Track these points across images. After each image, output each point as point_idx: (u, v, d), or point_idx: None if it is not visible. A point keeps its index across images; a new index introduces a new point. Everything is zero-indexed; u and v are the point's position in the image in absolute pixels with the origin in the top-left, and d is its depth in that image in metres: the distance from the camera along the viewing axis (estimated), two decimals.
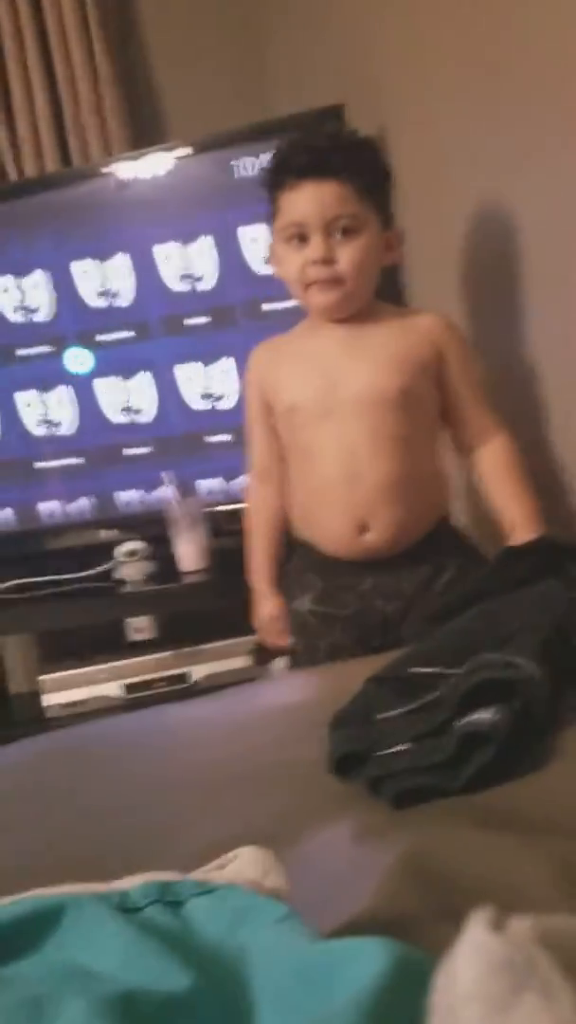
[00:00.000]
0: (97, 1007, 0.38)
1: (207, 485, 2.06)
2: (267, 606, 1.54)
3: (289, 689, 1.19)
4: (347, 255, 1.31)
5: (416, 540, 1.38)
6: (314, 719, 0.84)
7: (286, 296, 1.95)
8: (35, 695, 2.06)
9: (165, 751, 0.96)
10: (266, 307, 1.92)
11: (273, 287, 1.93)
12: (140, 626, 2.07)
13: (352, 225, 1.30)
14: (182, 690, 1.98)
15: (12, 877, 0.57)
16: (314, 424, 1.38)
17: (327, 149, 1.31)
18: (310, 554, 1.44)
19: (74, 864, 0.66)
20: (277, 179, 1.33)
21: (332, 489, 1.38)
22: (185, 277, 1.99)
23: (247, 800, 0.77)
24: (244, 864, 0.57)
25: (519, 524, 1.33)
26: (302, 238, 1.32)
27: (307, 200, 1.30)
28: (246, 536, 1.58)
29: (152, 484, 2.08)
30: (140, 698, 2.00)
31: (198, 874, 0.53)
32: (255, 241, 1.89)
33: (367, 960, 0.36)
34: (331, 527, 1.40)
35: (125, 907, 0.47)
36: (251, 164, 1.88)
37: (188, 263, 1.98)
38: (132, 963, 0.42)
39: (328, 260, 1.31)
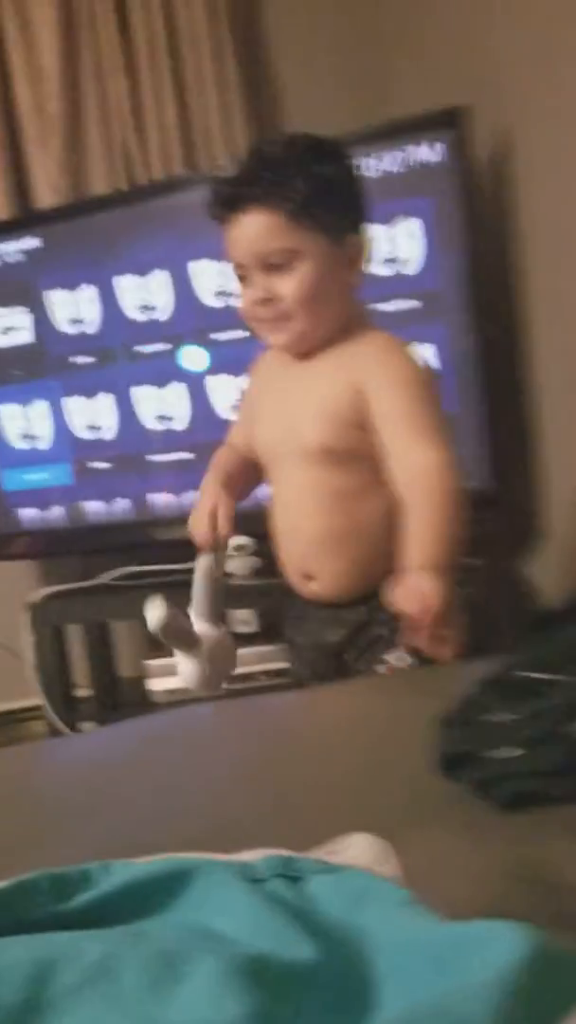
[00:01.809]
0: (229, 967, 0.40)
1: None
2: (206, 499, 1.36)
3: (389, 687, 1.20)
4: (287, 288, 1.18)
5: (372, 586, 1.25)
6: (416, 719, 0.85)
7: (402, 296, 1.97)
8: (141, 680, 2.13)
9: (266, 740, 0.98)
10: (384, 308, 1.93)
11: (387, 285, 1.95)
12: (244, 619, 2.11)
13: (285, 259, 1.17)
14: (283, 685, 2.01)
15: (132, 846, 0.60)
16: (269, 469, 1.35)
17: (248, 176, 1.18)
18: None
19: (186, 839, 0.69)
20: (213, 215, 1.21)
21: (280, 536, 1.35)
22: None
23: (350, 795, 0.79)
24: (358, 850, 0.59)
25: (414, 566, 1.10)
26: (243, 277, 1.22)
27: (236, 238, 1.19)
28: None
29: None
30: (241, 690, 2.03)
31: (314, 855, 0.56)
32: (376, 240, 1.90)
33: (506, 943, 0.37)
34: (285, 569, 1.37)
35: (249, 877, 0.49)
36: (372, 166, 1.89)
37: None
38: (259, 930, 0.44)
39: (268, 299, 1.19)
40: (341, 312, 1.23)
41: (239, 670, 2.06)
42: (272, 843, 0.58)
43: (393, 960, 0.42)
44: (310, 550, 1.30)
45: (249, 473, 1.39)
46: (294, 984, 0.40)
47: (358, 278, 1.23)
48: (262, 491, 2.13)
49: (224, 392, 2.13)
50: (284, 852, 0.54)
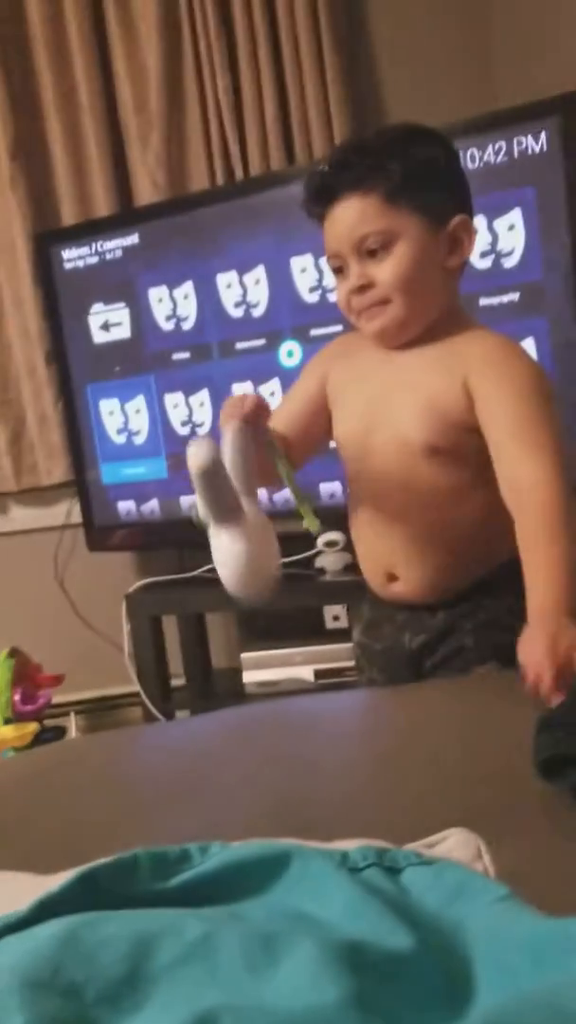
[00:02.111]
0: (326, 951, 0.40)
1: None
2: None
3: (485, 688, 1.18)
4: (384, 272, 1.13)
5: (460, 588, 1.23)
6: (514, 721, 0.84)
7: (503, 290, 1.93)
8: (235, 671, 2.15)
9: (360, 735, 0.98)
10: (483, 302, 1.90)
11: (489, 278, 1.92)
12: (336, 614, 2.11)
13: (381, 242, 1.12)
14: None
15: (221, 830, 0.61)
16: (354, 462, 1.27)
17: (340, 164, 1.14)
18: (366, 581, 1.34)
19: (277, 826, 0.70)
20: (309, 213, 1.18)
21: (363, 532, 1.28)
22: None
23: (447, 791, 0.78)
24: (454, 845, 0.58)
25: (536, 615, 1.02)
26: (340, 270, 1.17)
27: (332, 228, 1.15)
28: None
29: None
30: (330, 684, 2.04)
31: (409, 848, 0.55)
32: (479, 232, 1.88)
33: None
34: (365, 568, 1.31)
35: (345, 866, 0.49)
36: (477, 157, 1.86)
37: None
38: (356, 917, 0.44)
39: (365, 286, 1.15)
40: (441, 299, 1.18)
41: (330, 665, 2.08)
42: (367, 835, 0.58)
43: (490, 953, 0.42)
44: (398, 549, 1.24)
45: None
46: (392, 971, 0.40)
47: (460, 263, 1.18)
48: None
49: None
50: (380, 843, 0.54)
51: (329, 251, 1.17)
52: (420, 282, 1.14)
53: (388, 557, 1.25)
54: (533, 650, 0.95)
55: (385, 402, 1.21)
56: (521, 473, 1.10)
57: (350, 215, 1.13)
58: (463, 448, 1.17)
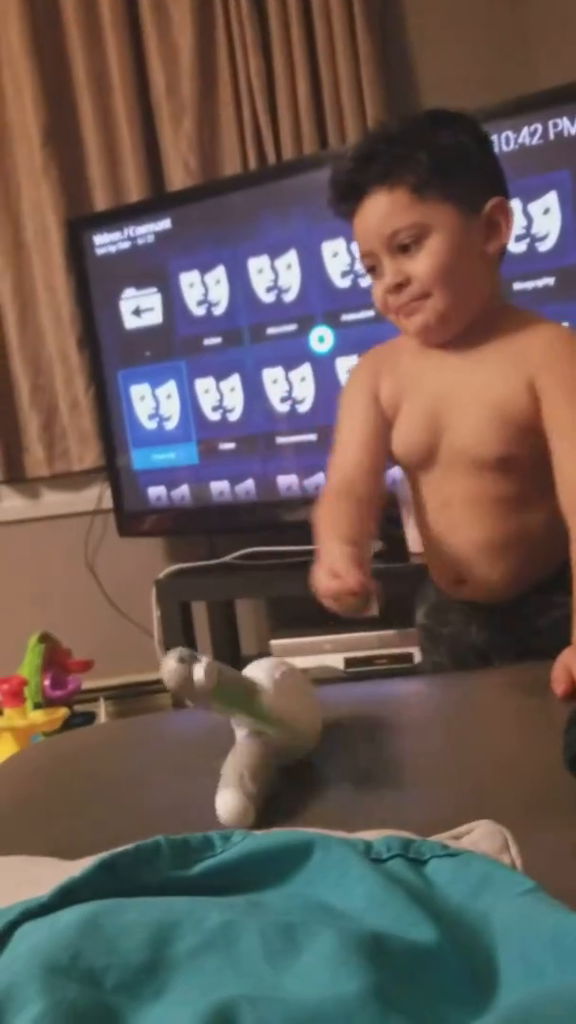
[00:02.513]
0: (347, 942, 0.40)
1: None
2: (334, 550, 1.09)
3: (520, 682, 1.17)
4: (420, 267, 1.08)
5: (528, 589, 1.21)
6: (547, 715, 0.83)
7: (538, 274, 1.91)
8: (263, 658, 2.15)
9: (394, 728, 0.97)
10: (517, 287, 1.88)
11: (526, 263, 1.89)
12: None
13: (414, 236, 1.07)
14: (404, 670, 2.00)
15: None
16: (418, 471, 1.22)
17: (365, 156, 1.09)
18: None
19: (300, 814, 0.70)
20: (336, 211, 1.14)
21: (430, 536, 1.25)
22: None
23: (475, 783, 0.77)
24: (480, 837, 0.58)
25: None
26: (374, 268, 1.12)
27: (361, 224, 1.11)
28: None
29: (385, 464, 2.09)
30: (361, 672, 2.03)
31: (436, 839, 0.55)
32: (513, 215, 1.85)
33: None
34: (433, 569, 1.29)
35: (368, 856, 0.49)
36: (512, 139, 1.84)
37: None
38: (378, 908, 0.44)
39: (402, 284, 1.10)
40: (483, 288, 1.13)
41: (361, 653, 2.07)
42: (393, 824, 0.57)
43: (515, 946, 0.41)
44: (466, 557, 1.20)
45: (369, 524, 1.17)
46: (414, 963, 0.40)
47: (499, 248, 1.13)
48: (388, 474, 2.12)
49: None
50: (404, 834, 0.53)
51: (362, 250, 1.13)
52: (459, 273, 1.09)
53: (456, 564, 1.22)
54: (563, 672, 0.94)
55: (447, 410, 1.16)
56: None
57: (379, 211, 1.08)
58: (531, 456, 1.12)
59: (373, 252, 1.11)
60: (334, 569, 1.02)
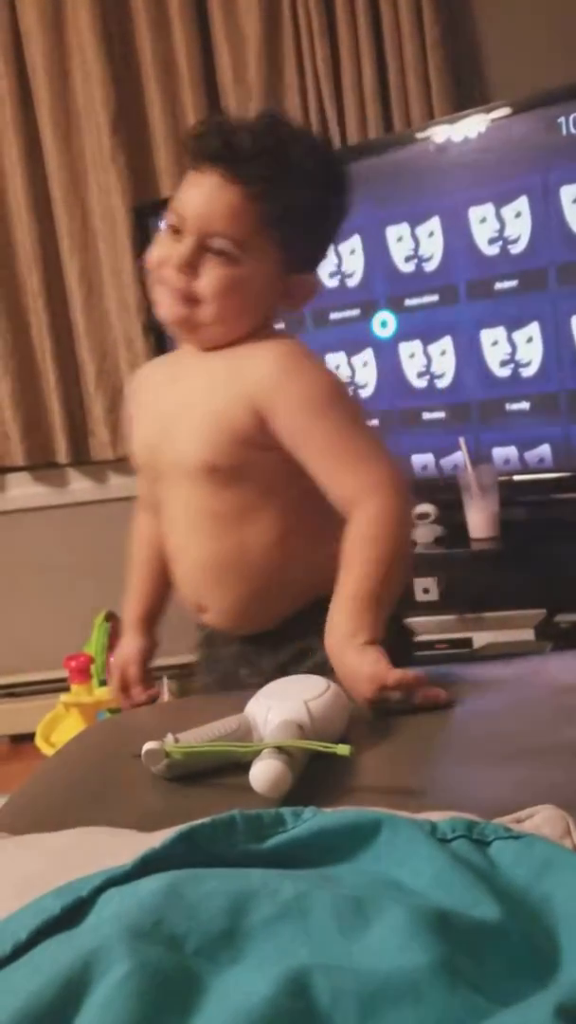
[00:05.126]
0: (416, 917, 0.41)
1: (503, 453, 2.05)
2: (125, 645, 1.30)
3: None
4: (210, 277, 1.04)
5: (279, 619, 1.15)
6: None
7: None
8: None
9: (452, 712, 0.98)
10: None
11: None
12: (426, 587, 2.10)
13: (229, 251, 1.03)
14: (463, 655, 2.00)
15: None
16: (150, 482, 1.20)
17: (256, 150, 1.02)
18: None
19: (375, 795, 0.72)
20: (191, 150, 1.07)
21: (171, 560, 1.21)
22: (496, 240, 1.97)
23: (537, 767, 0.78)
24: (542, 821, 0.59)
25: (336, 609, 0.99)
26: (177, 231, 1.05)
27: (198, 194, 1.04)
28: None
29: (447, 449, 2.09)
30: (420, 657, 2.04)
31: (499, 822, 0.56)
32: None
33: None
34: (180, 595, 1.23)
35: (435, 837, 0.50)
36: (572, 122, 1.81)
37: (502, 225, 1.96)
38: (444, 886, 0.45)
39: (186, 268, 1.04)
40: (248, 325, 1.10)
41: (420, 638, 2.08)
42: (456, 807, 0.59)
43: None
44: (199, 578, 1.16)
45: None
46: (479, 940, 0.41)
47: (286, 310, 1.15)
48: (449, 459, 2.13)
49: (413, 359, 2.12)
50: (469, 816, 0.55)
51: (177, 211, 1.05)
52: (238, 307, 1.07)
53: (191, 587, 1.18)
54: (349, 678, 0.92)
55: (173, 418, 1.13)
56: (345, 490, 1.04)
57: (224, 202, 1.03)
58: (248, 468, 1.09)
59: (185, 220, 1.05)
60: (124, 679, 1.26)
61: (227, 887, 0.44)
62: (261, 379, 1.06)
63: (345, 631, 0.97)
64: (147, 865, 0.46)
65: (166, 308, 1.09)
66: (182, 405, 1.13)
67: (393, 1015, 0.37)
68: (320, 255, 1.15)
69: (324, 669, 0.99)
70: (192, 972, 0.39)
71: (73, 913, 0.45)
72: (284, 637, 1.15)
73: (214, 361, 1.11)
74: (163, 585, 1.29)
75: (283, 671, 1.08)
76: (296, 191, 1.04)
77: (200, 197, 1.04)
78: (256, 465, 1.09)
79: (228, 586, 1.15)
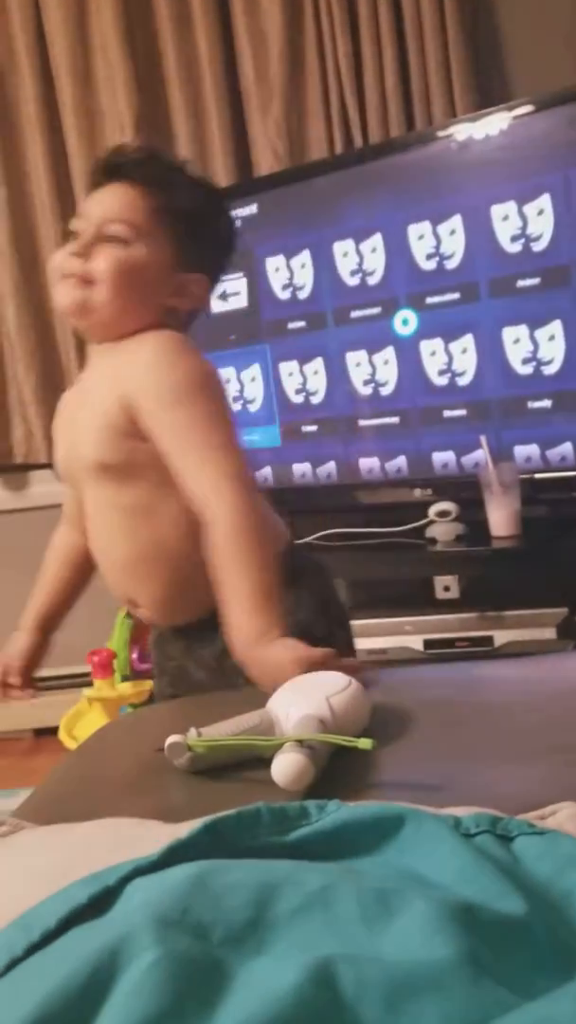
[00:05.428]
0: (440, 910, 0.42)
1: (524, 451, 2.04)
2: (16, 641, 1.32)
3: None
4: (104, 257, 1.10)
5: (212, 608, 1.12)
6: None
7: None
8: None
9: (475, 709, 0.99)
10: None
11: None
12: (447, 585, 2.10)
13: (123, 235, 1.10)
14: (484, 653, 2.00)
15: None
16: (72, 491, 1.24)
17: (142, 157, 1.15)
18: None
19: (398, 790, 0.72)
20: (92, 175, 1.17)
21: (96, 558, 1.24)
22: (518, 237, 1.96)
23: (554, 770, 0.78)
24: (566, 818, 0.59)
25: (233, 614, 1.01)
26: (76, 236, 1.14)
27: (97, 198, 1.13)
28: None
29: (468, 447, 2.09)
30: (440, 655, 2.04)
31: (522, 818, 0.56)
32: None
33: None
34: (112, 592, 1.26)
35: (459, 831, 0.51)
36: None
37: (524, 223, 1.95)
38: (469, 880, 0.46)
39: (82, 252, 1.10)
40: (139, 318, 1.14)
41: (441, 635, 2.08)
42: (479, 803, 0.59)
43: None
44: (124, 575, 1.20)
45: (79, 558, 1.29)
46: (504, 934, 0.42)
47: (178, 307, 1.17)
48: (470, 457, 2.12)
49: (434, 357, 2.12)
50: (492, 811, 0.55)
51: (77, 223, 1.13)
52: (130, 289, 1.11)
53: (119, 584, 1.21)
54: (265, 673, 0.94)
55: (70, 418, 1.19)
56: (196, 488, 1.06)
57: (117, 197, 1.12)
58: (139, 461, 1.11)
59: (83, 224, 1.12)
60: (5, 671, 1.28)
61: (252, 878, 0.44)
62: (132, 372, 1.10)
63: (254, 632, 0.99)
64: (173, 855, 0.47)
65: (63, 295, 1.13)
66: (81, 408, 1.17)
67: (417, 1006, 0.37)
68: (210, 260, 1.19)
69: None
70: (218, 961, 0.40)
71: (100, 902, 0.45)
72: (215, 625, 1.15)
73: (107, 358, 1.15)
74: (64, 592, 1.34)
75: (221, 660, 1.13)
76: (184, 193, 1.14)
77: (98, 198, 1.13)
78: (148, 458, 1.10)
79: (152, 579, 1.18)
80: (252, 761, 0.78)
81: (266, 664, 0.96)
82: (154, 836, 0.52)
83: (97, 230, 1.11)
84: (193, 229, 1.15)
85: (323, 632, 1.15)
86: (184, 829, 0.50)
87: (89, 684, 2.25)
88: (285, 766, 0.71)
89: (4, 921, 0.46)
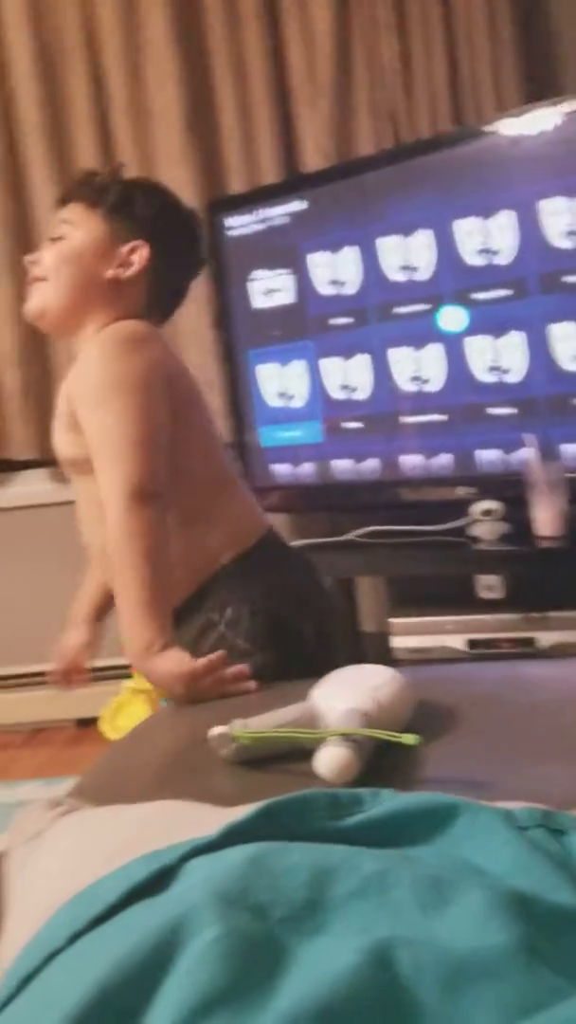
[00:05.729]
0: (495, 899, 0.42)
1: (572, 450, 2.02)
2: (71, 638, 1.42)
3: None
4: (48, 252, 1.26)
5: (184, 596, 1.21)
6: None
7: None
8: (384, 636, 2.18)
9: (520, 706, 0.98)
10: None
11: None
12: (490, 584, 2.09)
13: (63, 230, 1.25)
14: (527, 654, 1.99)
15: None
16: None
17: (84, 179, 1.30)
18: None
19: (449, 785, 0.72)
20: (58, 202, 1.32)
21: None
22: (570, 233, 1.95)
23: None
24: None
25: (123, 625, 1.08)
26: None
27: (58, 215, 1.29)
28: None
29: (514, 445, 2.07)
30: (483, 655, 2.03)
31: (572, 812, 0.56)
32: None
33: None
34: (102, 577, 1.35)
35: (512, 824, 0.51)
36: None
37: (574, 218, 1.93)
38: (522, 871, 0.46)
39: (35, 261, 1.27)
40: (91, 297, 1.24)
41: (484, 635, 2.07)
42: (530, 799, 0.59)
43: None
44: (106, 562, 1.20)
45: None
46: (557, 923, 0.42)
47: (125, 276, 1.25)
48: (516, 455, 2.11)
49: (481, 354, 2.11)
50: (543, 806, 0.55)
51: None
52: (73, 271, 1.23)
53: (105, 570, 1.26)
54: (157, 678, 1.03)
55: (55, 420, 1.26)
56: (102, 487, 1.10)
57: (64, 212, 1.27)
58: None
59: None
60: (64, 653, 1.38)
61: (309, 861, 0.45)
62: (77, 371, 1.18)
63: (139, 645, 1.04)
64: (231, 837, 0.48)
65: (28, 302, 1.26)
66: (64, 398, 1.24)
67: (474, 991, 0.38)
68: (143, 231, 1.26)
69: (226, 641, 1.14)
70: (277, 939, 0.41)
71: (159, 880, 0.46)
72: (188, 613, 1.21)
73: (79, 356, 1.23)
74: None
75: (193, 647, 1.16)
76: (106, 189, 1.26)
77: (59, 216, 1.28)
78: None
79: None
80: (295, 753, 0.78)
81: (153, 676, 1.04)
82: (209, 818, 0.53)
83: (50, 240, 1.26)
84: (123, 205, 1.26)
85: (295, 623, 1.21)
86: (239, 812, 0.51)
87: (129, 676, 2.27)
88: (330, 759, 0.72)
89: (66, 895, 0.47)
